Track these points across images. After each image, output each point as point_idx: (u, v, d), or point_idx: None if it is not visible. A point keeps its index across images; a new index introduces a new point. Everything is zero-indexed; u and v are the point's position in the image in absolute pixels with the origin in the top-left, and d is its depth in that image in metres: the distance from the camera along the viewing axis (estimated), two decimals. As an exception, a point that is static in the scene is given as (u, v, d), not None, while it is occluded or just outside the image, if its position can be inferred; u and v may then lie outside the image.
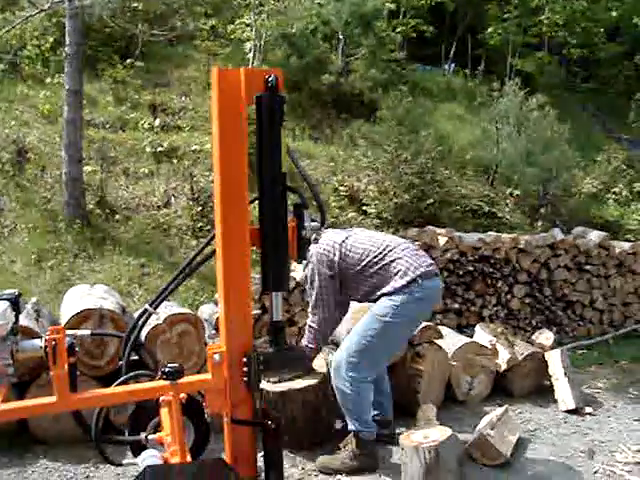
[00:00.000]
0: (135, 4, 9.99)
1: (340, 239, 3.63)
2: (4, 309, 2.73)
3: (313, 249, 3.58)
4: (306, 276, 3.68)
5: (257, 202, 2.62)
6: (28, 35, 9.25)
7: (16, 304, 2.85)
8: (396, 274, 3.50)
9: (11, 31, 8.11)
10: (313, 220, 3.06)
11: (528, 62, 13.56)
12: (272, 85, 2.50)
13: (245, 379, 2.57)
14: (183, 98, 9.55)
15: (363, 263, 3.55)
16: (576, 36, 14.17)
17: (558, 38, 14.38)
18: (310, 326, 3.66)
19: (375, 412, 3.73)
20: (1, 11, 8.83)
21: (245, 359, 2.56)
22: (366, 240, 3.63)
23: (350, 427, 3.57)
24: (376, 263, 3.54)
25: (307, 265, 3.66)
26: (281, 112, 2.54)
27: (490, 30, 13.68)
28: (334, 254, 3.58)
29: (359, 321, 3.59)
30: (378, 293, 3.53)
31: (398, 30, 12.42)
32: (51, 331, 2.56)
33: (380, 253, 3.56)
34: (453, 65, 14.55)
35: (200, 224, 6.88)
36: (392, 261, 3.53)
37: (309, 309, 3.70)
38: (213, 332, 4.65)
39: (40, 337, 2.87)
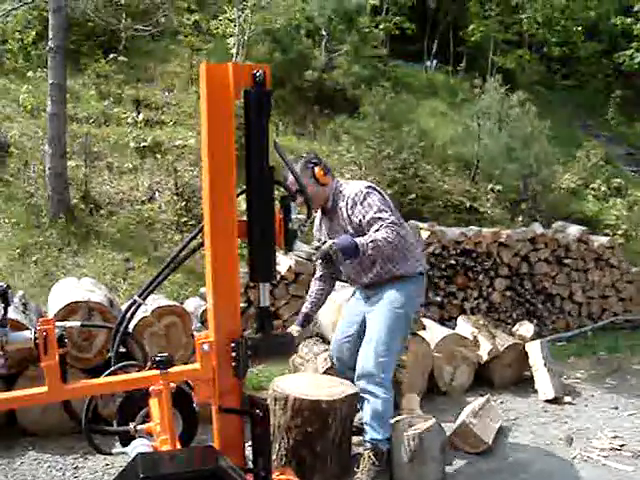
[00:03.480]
0: (118, -2, 9.97)
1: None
2: (-7, 301, 2.75)
3: (349, 191, 3.42)
4: (361, 204, 3.36)
5: (245, 195, 2.67)
6: (10, 29, 9.19)
7: (4, 296, 2.87)
8: (414, 257, 3.50)
9: (-7, 25, 8.07)
10: (299, 213, 3.13)
11: (509, 59, 13.68)
12: (260, 80, 2.54)
13: (233, 364, 2.61)
14: (166, 93, 9.55)
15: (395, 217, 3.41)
16: (556, 34, 14.34)
17: (538, 36, 14.54)
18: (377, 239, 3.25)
19: None
20: (-18, 5, 8.78)
21: (233, 344, 2.60)
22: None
23: (373, 436, 3.36)
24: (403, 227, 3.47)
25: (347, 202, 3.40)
26: (268, 106, 2.59)
27: (472, 27, 13.79)
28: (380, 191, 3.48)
29: (374, 319, 3.43)
30: (396, 272, 3.42)
31: (381, 27, 12.49)
32: (41, 322, 2.59)
33: (403, 222, 3.52)
34: (435, 62, 14.65)
35: (184, 219, 6.91)
36: (410, 244, 3.52)
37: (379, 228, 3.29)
38: (199, 325, 4.70)
39: (28, 330, 2.90)
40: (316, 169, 3.42)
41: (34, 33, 9.15)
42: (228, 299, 2.61)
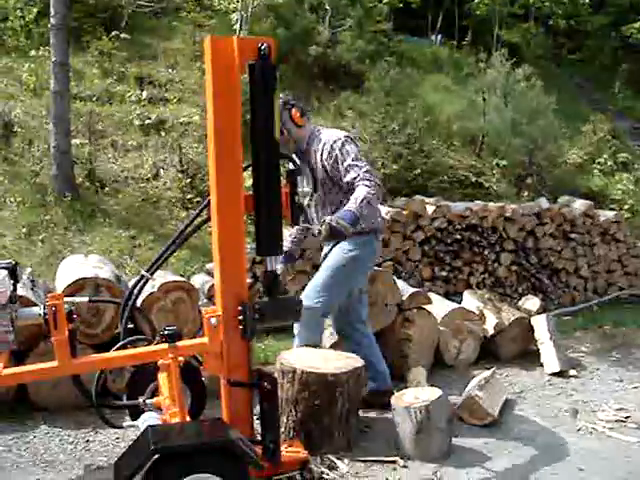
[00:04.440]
0: (120, -25, 9.86)
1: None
2: (3, 277, 2.78)
3: (327, 136, 3.58)
4: (337, 156, 3.50)
5: (251, 169, 2.67)
6: (11, 6, 9.11)
7: (13, 273, 2.90)
8: (378, 211, 3.70)
9: (-7, 2, 8.01)
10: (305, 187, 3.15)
11: (514, 33, 13.55)
12: (265, 53, 2.53)
13: (241, 328, 2.63)
14: (170, 70, 9.48)
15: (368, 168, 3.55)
16: (562, 7, 14.16)
17: (544, 9, 14.36)
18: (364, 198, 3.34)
19: (374, 383, 3.83)
20: (-18, -18, 8.71)
21: (240, 307, 2.62)
22: None
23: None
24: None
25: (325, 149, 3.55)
26: (274, 80, 2.58)
27: (477, 1, 13.64)
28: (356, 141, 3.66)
29: (328, 259, 3.67)
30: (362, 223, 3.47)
31: (385, 1, 12.35)
32: (51, 297, 2.62)
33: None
34: (440, 36, 14.52)
35: (189, 196, 6.89)
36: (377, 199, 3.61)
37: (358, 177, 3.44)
38: (205, 301, 4.72)
39: (37, 306, 2.93)
40: (293, 110, 3.57)
41: (35, 10, 9.07)
42: (235, 267, 2.63)
